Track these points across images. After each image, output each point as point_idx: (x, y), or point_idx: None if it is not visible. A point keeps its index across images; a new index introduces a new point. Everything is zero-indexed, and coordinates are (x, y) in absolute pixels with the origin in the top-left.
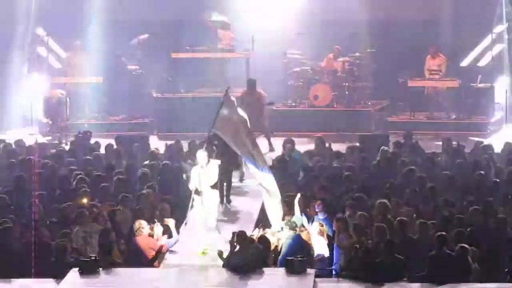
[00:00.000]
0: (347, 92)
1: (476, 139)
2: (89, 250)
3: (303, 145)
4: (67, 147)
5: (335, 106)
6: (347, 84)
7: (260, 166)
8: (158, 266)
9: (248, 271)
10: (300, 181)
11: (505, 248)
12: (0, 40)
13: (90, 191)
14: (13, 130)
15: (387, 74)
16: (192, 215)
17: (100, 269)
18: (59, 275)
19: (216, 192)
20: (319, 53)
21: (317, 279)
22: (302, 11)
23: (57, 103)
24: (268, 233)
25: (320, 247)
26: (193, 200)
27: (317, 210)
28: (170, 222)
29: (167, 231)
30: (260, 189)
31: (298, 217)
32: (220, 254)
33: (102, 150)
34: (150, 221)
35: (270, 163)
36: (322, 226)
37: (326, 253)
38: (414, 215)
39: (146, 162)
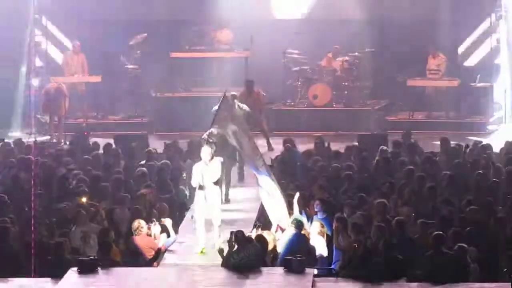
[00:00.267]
0: (346, 92)
1: (475, 138)
2: (87, 250)
3: (302, 145)
4: (65, 147)
5: (334, 105)
6: (346, 83)
7: (260, 170)
8: (157, 266)
9: (247, 271)
10: (299, 181)
11: (504, 247)
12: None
13: (88, 191)
14: (12, 130)
15: (386, 74)
16: (195, 210)
17: (99, 268)
18: (57, 275)
19: (218, 189)
20: (318, 52)
21: (316, 279)
22: (301, 10)
23: (55, 94)
24: (264, 233)
25: (319, 247)
26: (196, 195)
27: (316, 209)
28: (167, 222)
29: (164, 231)
30: (259, 189)
31: (298, 216)
32: (220, 251)
33: (101, 150)
34: (148, 221)
35: (269, 162)
36: (323, 227)
37: (324, 253)
38: (413, 214)
39: (142, 162)
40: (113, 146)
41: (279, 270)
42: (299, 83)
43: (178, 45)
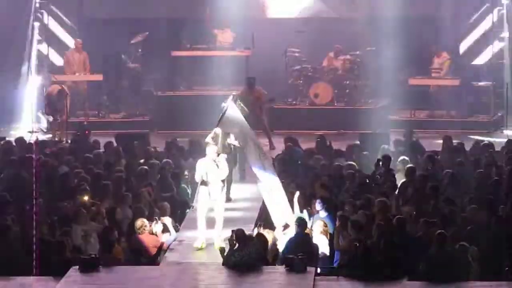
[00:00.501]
0: (347, 91)
1: (477, 137)
2: (89, 248)
3: (304, 144)
4: (67, 145)
5: (335, 104)
6: (347, 82)
7: (267, 168)
8: (158, 264)
9: (247, 269)
10: (300, 180)
11: (505, 246)
12: (0, 39)
13: (90, 189)
14: (13, 128)
15: (388, 73)
16: (198, 205)
17: (100, 267)
18: (59, 273)
19: (222, 186)
20: (320, 51)
21: (317, 278)
22: (303, 9)
23: (58, 96)
24: (265, 232)
25: (322, 246)
26: (198, 191)
27: (317, 208)
28: (167, 221)
29: (164, 229)
30: (261, 187)
31: (298, 215)
32: (221, 250)
33: (101, 148)
34: (150, 219)
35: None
36: (326, 226)
37: (327, 251)
38: (414, 212)
39: (141, 161)
40: (114, 144)
41: (281, 269)
42: (301, 82)
43: (180, 44)
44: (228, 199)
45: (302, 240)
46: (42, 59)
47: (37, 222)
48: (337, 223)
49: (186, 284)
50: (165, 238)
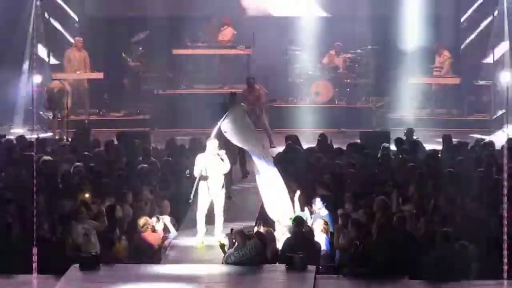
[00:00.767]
0: (348, 89)
1: (478, 136)
2: (89, 247)
3: (304, 142)
4: (67, 143)
5: (336, 103)
6: (348, 81)
7: (268, 160)
8: (159, 262)
9: (248, 268)
10: (301, 178)
11: (506, 245)
12: (0, 38)
13: (90, 187)
14: (14, 126)
15: (389, 71)
16: (198, 201)
17: (101, 265)
18: (59, 271)
19: (222, 180)
20: (320, 50)
21: (318, 276)
22: (303, 7)
23: (58, 93)
24: (265, 230)
25: (322, 243)
26: (197, 185)
27: (317, 207)
28: (166, 219)
29: (165, 228)
30: (259, 180)
31: (299, 214)
32: (222, 246)
33: (102, 147)
34: (151, 218)
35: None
36: (327, 224)
37: (326, 249)
38: (414, 211)
39: (140, 159)
40: (115, 142)
41: (281, 267)
42: (301, 80)
43: (181, 42)
44: (228, 197)
45: (302, 238)
46: (43, 57)
47: (37, 220)
48: (339, 221)
49: (186, 283)
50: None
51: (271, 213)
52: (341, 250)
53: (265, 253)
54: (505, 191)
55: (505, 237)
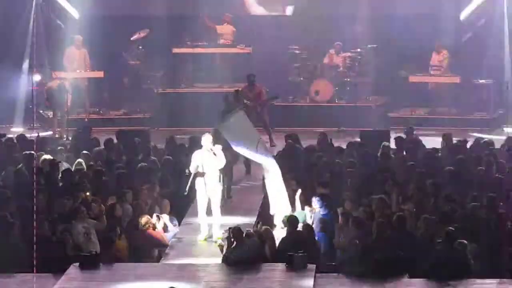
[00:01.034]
0: (348, 88)
1: (477, 135)
2: (90, 246)
3: (304, 141)
4: (67, 142)
5: (336, 101)
6: (348, 79)
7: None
8: (158, 261)
9: (247, 267)
10: (301, 177)
11: (506, 244)
12: (0, 37)
13: (90, 186)
14: (14, 125)
15: (389, 70)
16: (197, 197)
17: (100, 264)
18: (59, 270)
19: (218, 175)
20: (320, 48)
21: (318, 275)
22: (304, 6)
23: (58, 92)
24: (264, 229)
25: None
26: (192, 180)
27: (317, 205)
28: (165, 218)
29: (164, 227)
30: (265, 174)
31: (300, 212)
32: (221, 247)
33: (102, 145)
34: (151, 216)
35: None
36: (326, 223)
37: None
38: (414, 209)
39: (140, 158)
40: (115, 141)
41: (281, 266)
42: (301, 79)
43: (181, 40)
44: (229, 197)
45: (298, 237)
46: (43, 56)
47: (38, 219)
48: (339, 220)
49: (185, 282)
50: (166, 234)
51: (273, 207)
52: (341, 249)
53: (264, 251)
54: None
55: None
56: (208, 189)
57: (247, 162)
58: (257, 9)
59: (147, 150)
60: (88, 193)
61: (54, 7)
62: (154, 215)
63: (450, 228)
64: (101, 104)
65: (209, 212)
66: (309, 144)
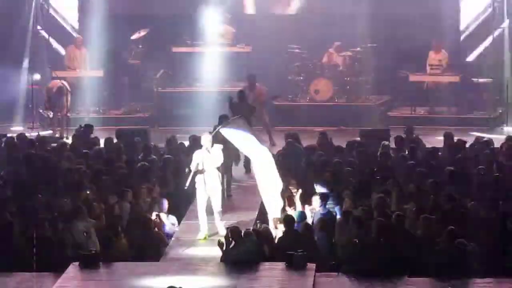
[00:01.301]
0: (348, 87)
1: (477, 134)
2: (90, 245)
3: (304, 140)
4: (68, 141)
5: (336, 100)
6: (348, 78)
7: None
8: (159, 260)
9: (246, 266)
10: (301, 176)
11: (506, 243)
12: (0, 36)
13: (90, 185)
14: (14, 124)
15: (388, 69)
16: (196, 196)
17: (100, 263)
18: (59, 269)
19: (218, 173)
20: (320, 47)
21: (318, 274)
22: (303, 5)
23: (57, 92)
24: (263, 228)
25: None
26: (192, 177)
27: (317, 205)
28: (164, 217)
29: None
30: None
31: (300, 211)
32: (220, 245)
33: (102, 144)
34: (151, 215)
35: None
36: (325, 222)
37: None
38: (414, 209)
39: (140, 157)
40: (115, 140)
41: (280, 265)
42: (301, 78)
43: (180, 40)
44: (228, 196)
45: (296, 236)
46: (43, 55)
47: (38, 218)
48: (340, 219)
49: (185, 281)
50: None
51: (268, 205)
52: (341, 247)
53: (263, 250)
54: None
55: None
56: (208, 187)
57: (247, 162)
58: (257, 9)
59: (147, 149)
60: (88, 193)
61: (54, 8)
62: (154, 214)
63: (450, 227)
64: (101, 103)
65: (209, 211)
66: (309, 143)
